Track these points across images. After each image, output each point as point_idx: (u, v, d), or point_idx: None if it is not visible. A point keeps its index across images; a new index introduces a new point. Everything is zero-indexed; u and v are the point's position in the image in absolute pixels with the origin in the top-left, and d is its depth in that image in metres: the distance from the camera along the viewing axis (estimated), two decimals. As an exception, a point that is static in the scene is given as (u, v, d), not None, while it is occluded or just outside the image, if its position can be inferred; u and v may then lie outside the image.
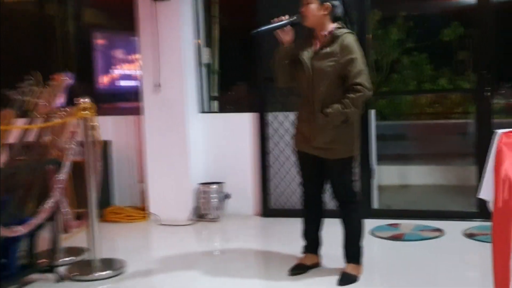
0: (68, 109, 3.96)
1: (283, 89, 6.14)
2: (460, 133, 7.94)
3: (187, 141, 5.69)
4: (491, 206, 3.80)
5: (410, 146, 8.01)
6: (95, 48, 7.12)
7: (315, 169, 3.92)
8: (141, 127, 5.86)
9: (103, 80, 7.14)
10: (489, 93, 5.25)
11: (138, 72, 6.34)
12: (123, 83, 7.38)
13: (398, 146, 7.71)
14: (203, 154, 5.92)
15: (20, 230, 3.60)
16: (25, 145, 3.86)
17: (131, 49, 6.74)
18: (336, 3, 3.76)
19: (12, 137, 3.97)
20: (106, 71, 7.29)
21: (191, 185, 5.76)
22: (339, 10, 3.78)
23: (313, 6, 3.70)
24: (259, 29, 3.75)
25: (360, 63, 3.65)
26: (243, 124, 5.86)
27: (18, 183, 3.73)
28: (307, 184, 4.05)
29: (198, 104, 5.92)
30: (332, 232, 4.13)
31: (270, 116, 5.77)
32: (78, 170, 4.17)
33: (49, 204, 3.76)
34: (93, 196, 4.15)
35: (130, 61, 7.06)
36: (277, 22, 3.72)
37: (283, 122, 5.73)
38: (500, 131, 3.60)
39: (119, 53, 7.41)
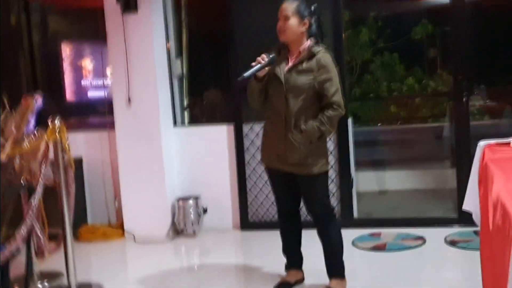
0: (38, 132, 3.81)
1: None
2: (435, 136, 7.94)
3: (161, 156, 5.55)
4: (474, 217, 3.77)
5: (385, 151, 7.98)
6: (63, 59, 6.93)
7: (289, 185, 3.85)
8: (114, 142, 5.70)
9: (72, 92, 6.95)
10: (465, 98, 5.22)
11: (108, 84, 6.20)
12: (93, 94, 7.19)
13: (373, 151, 7.67)
14: (178, 168, 5.79)
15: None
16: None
17: (101, 59, 6.57)
18: (312, 19, 3.70)
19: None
20: (75, 83, 7.11)
21: (167, 200, 5.63)
22: (314, 26, 3.72)
23: (293, 22, 3.63)
24: (244, 75, 3.62)
25: (336, 82, 3.63)
26: (218, 136, 5.76)
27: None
28: (282, 200, 4.00)
29: (171, 117, 5.77)
30: (313, 244, 4.03)
31: (245, 127, 5.66)
32: (49, 191, 4.03)
33: (23, 229, 3.61)
34: (67, 220, 4.01)
35: (100, 72, 6.86)
36: (258, 64, 3.62)
37: (259, 133, 5.62)
38: (482, 143, 3.57)
39: (88, 64, 7.23)
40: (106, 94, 6.59)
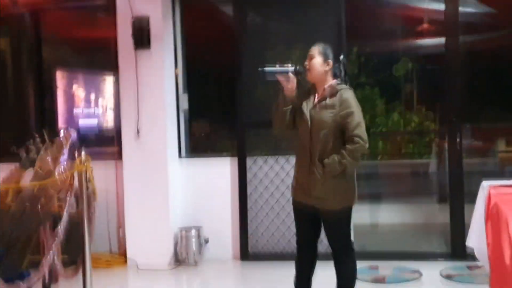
0: (67, 163, 3.97)
1: (262, 134, 6.34)
2: (421, 172, 8.23)
3: (167, 186, 5.73)
4: (477, 253, 4.03)
5: (374, 185, 8.24)
6: (71, 91, 7.11)
7: (312, 219, 3.99)
8: (120, 172, 5.86)
9: (79, 123, 7.10)
10: (458, 138, 5.53)
11: (113, 116, 6.38)
12: (83, 123, 7.34)
13: (363, 185, 7.91)
14: (182, 198, 5.97)
15: (22, 286, 3.57)
16: (28, 199, 3.84)
17: (108, 91, 6.78)
18: (337, 63, 3.94)
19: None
20: (83, 114, 7.27)
21: (170, 230, 5.79)
22: (339, 69, 3.95)
23: (317, 61, 3.88)
24: (265, 68, 3.86)
25: (358, 117, 3.80)
26: (221, 168, 5.95)
27: (19, 237, 3.71)
28: (301, 232, 4.11)
29: (177, 149, 5.96)
30: (322, 275, 4.17)
31: (249, 160, 5.87)
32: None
33: (49, 257, 3.75)
34: (88, 248, 4.16)
35: (107, 104, 7.05)
36: (282, 68, 3.85)
37: (262, 166, 5.85)
38: (486, 183, 3.85)
39: (96, 96, 7.41)
40: (110, 124, 6.79)
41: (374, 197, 7.82)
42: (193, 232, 5.81)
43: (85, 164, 3.98)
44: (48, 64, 6.56)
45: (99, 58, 6.75)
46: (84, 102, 7.37)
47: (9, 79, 6.61)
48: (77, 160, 3.95)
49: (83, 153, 4.02)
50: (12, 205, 3.74)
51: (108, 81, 6.83)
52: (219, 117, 6.77)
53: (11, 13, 6.22)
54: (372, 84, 10.19)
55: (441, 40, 5.78)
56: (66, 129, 4.08)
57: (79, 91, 7.29)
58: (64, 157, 3.95)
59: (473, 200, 4.05)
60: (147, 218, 5.76)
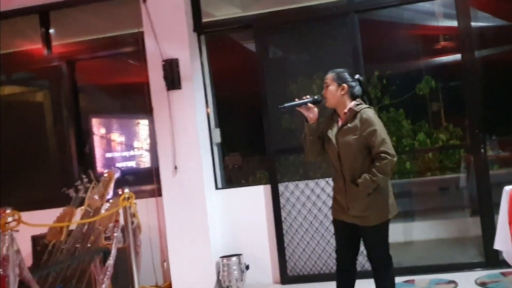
0: (113, 200, 4.28)
1: (291, 160, 6.60)
2: (450, 187, 8.35)
3: (206, 217, 6.00)
4: (505, 255, 4.21)
5: (406, 202, 8.38)
6: (108, 135, 7.49)
7: (351, 236, 4.17)
8: (161, 208, 6.16)
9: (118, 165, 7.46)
10: (482, 150, 5.72)
11: (150, 155, 6.70)
12: (130, 164, 7.69)
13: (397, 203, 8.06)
14: (221, 228, 6.23)
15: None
16: (79, 236, 4.15)
17: (143, 133, 7.13)
18: (353, 83, 4.17)
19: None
20: (121, 156, 7.64)
21: (212, 259, 6.04)
22: (357, 89, 4.16)
23: (332, 88, 4.12)
24: (285, 105, 4.13)
25: (381, 133, 3.98)
26: (255, 196, 6.21)
27: (73, 273, 4.00)
28: (342, 250, 4.27)
29: (213, 181, 6.26)
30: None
31: (281, 187, 6.13)
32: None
33: (102, 291, 4.03)
34: (136, 279, 4.43)
35: (142, 145, 7.41)
36: (299, 100, 4.13)
37: (293, 191, 6.10)
38: (508, 188, 4.06)
39: (132, 138, 7.79)
40: (135, 164, 7.12)
41: (407, 215, 7.96)
42: (234, 259, 6.04)
43: (129, 200, 4.27)
44: (85, 111, 6.91)
45: (133, 102, 7.11)
46: (121, 145, 7.75)
47: (49, 128, 7.00)
48: (121, 197, 4.25)
49: (126, 190, 4.32)
50: (66, 242, 4.03)
51: (143, 123, 7.17)
52: (250, 148, 7.05)
53: (48, 65, 6.66)
54: (396, 106, 10.40)
55: (458, 56, 5.98)
56: (110, 168, 4.38)
57: (115, 135, 7.67)
58: (109, 194, 4.26)
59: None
60: (189, 250, 6.03)
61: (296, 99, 4.16)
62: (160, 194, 6.18)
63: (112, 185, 4.30)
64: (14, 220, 3.19)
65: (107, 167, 7.39)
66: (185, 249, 6.05)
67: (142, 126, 7.27)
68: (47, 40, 6.64)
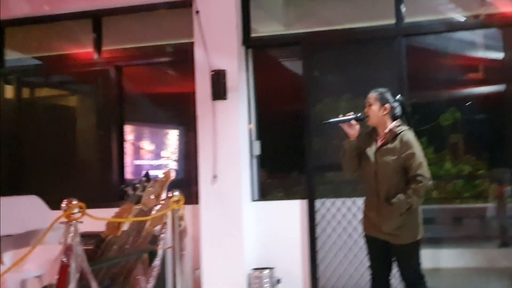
0: (164, 202, 4.36)
1: (330, 177, 6.65)
2: (479, 217, 8.36)
3: (241, 229, 6.07)
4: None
5: (435, 229, 8.39)
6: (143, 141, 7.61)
7: (383, 253, 4.28)
8: (196, 216, 6.23)
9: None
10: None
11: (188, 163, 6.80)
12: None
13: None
14: (254, 240, 6.28)
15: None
16: (132, 234, 4.22)
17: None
18: (395, 104, 4.27)
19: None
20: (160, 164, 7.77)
21: (244, 271, 6.07)
22: (398, 110, 4.29)
23: (375, 107, 4.24)
24: (329, 120, 4.29)
25: (419, 156, 4.12)
26: (291, 210, 6.26)
27: (121, 270, 4.07)
28: (375, 267, 4.38)
29: (250, 193, 6.33)
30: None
31: (318, 203, 6.18)
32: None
33: (149, 289, 4.09)
34: (179, 284, 4.48)
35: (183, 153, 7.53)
36: (343, 117, 4.23)
37: (330, 208, 6.15)
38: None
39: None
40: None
41: (435, 241, 7.96)
42: (266, 272, 6.08)
43: (179, 203, 4.35)
44: (128, 118, 7.02)
45: (178, 110, 7.22)
46: (152, 153, 7.89)
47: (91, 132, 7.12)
48: (171, 199, 4.33)
49: (176, 192, 4.39)
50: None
51: (186, 131, 7.27)
52: (287, 162, 7.12)
53: (97, 69, 6.80)
54: (419, 134, 10.41)
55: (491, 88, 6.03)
56: (167, 169, 4.47)
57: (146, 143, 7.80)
58: (164, 195, 4.34)
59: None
60: (222, 259, 6.07)
61: (341, 115, 4.26)
62: (197, 202, 6.25)
63: (167, 186, 4.39)
64: (79, 211, 3.28)
65: (138, 174, 7.53)
66: (218, 258, 6.10)
67: (186, 134, 7.38)
68: (98, 45, 6.77)
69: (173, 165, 7.88)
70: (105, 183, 6.58)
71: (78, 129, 7.27)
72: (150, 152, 8.01)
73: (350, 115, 4.25)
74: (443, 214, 8.86)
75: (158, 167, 7.83)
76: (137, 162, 7.78)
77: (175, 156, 8.03)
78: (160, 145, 8.05)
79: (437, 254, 7.60)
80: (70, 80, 7.67)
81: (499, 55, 6.10)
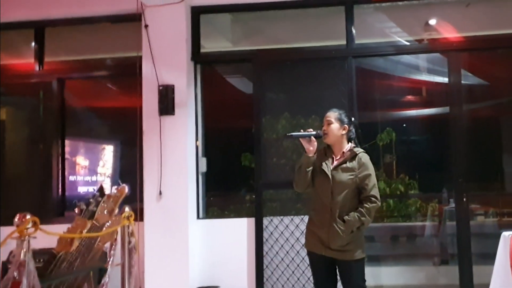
0: (115, 218, 4.22)
1: (277, 195, 6.65)
2: (417, 235, 8.54)
3: (187, 246, 5.96)
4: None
5: (375, 247, 8.51)
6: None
7: (329, 270, 4.30)
8: (141, 233, 6.07)
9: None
10: (465, 199, 5.92)
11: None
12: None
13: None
14: (200, 258, 6.17)
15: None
16: (84, 250, 4.06)
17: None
18: (351, 126, 4.36)
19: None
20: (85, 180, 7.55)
21: (189, 290, 5.98)
22: (353, 131, 4.39)
23: (334, 126, 4.29)
24: (292, 134, 4.29)
25: (374, 178, 4.26)
26: (238, 228, 6.20)
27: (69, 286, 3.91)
28: (320, 284, 4.38)
29: (195, 210, 6.23)
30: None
31: (265, 220, 6.15)
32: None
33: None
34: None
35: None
36: (305, 132, 4.26)
37: (278, 226, 6.13)
38: (506, 234, 4.22)
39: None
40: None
41: (375, 259, 8.07)
42: (211, 291, 6.01)
43: (129, 219, 4.23)
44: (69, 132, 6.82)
45: (121, 125, 7.07)
46: (85, 169, 7.67)
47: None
48: (123, 215, 4.20)
49: (126, 208, 4.27)
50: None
51: (129, 146, 7.12)
52: (234, 180, 7.08)
53: (40, 81, 6.57)
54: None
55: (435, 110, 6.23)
56: (119, 184, 4.34)
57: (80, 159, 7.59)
58: (116, 210, 4.21)
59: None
60: (167, 278, 5.94)
61: (302, 130, 4.29)
62: (141, 219, 6.10)
63: (120, 201, 4.26)
64: (33, 226, 3.13)
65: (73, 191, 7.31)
66: (162, 277, 5.97)
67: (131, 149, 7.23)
68: (40, 56, 6.55)
69: (107, 181, 7.69)
70: (44, 199, 6.34)
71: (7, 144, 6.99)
72: (85, 168, 7.78)
73: (311, 131, 4.28)
74: (381, 232, 9.00)
75: (92, 183, 7.63)
76: (71, 178, 7.54)
77: (112, 172, 7.85)
78: (95, 161, 7.85)
79: (377, 272, 7.70)
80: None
81: (444, 79, 6.32)
